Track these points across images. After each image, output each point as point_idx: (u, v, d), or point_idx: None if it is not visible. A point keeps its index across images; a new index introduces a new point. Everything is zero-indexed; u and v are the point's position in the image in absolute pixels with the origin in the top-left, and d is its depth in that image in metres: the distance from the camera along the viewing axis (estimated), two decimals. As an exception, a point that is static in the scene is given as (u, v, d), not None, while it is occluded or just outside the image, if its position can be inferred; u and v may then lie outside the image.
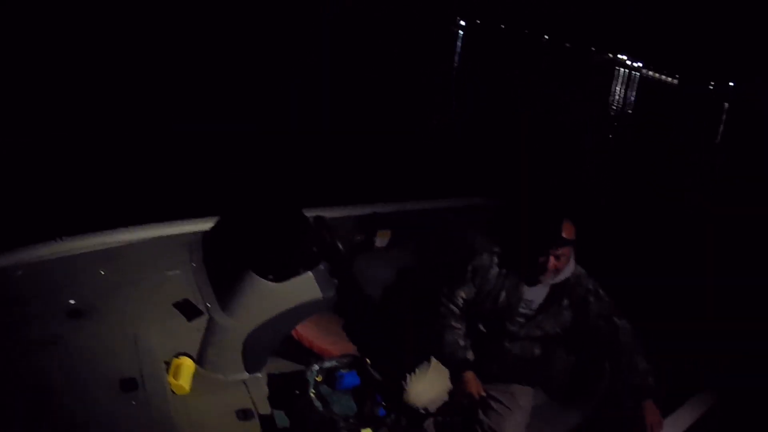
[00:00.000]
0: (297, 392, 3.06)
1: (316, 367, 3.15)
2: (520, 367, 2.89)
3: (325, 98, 11.59)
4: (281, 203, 3.76)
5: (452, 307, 2.92)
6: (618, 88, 60.61)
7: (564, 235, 2.66)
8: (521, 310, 2.83)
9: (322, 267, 3.26)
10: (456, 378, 2.84)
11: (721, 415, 3.02)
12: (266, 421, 3.06)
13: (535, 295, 2.82)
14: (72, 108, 8.24)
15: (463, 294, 2.91)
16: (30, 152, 6.54)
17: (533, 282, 2.80)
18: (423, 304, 3.10)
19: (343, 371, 3.18)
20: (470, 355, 2.86)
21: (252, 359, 3.32)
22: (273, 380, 3.34)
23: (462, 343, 2.87)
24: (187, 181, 6.56)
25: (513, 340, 2.84)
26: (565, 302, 2.80)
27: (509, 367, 2.89)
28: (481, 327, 2.92)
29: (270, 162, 7.98)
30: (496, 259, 2.89)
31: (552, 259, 2.67)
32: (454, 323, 2.90)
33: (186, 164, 7.09)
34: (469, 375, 2.81)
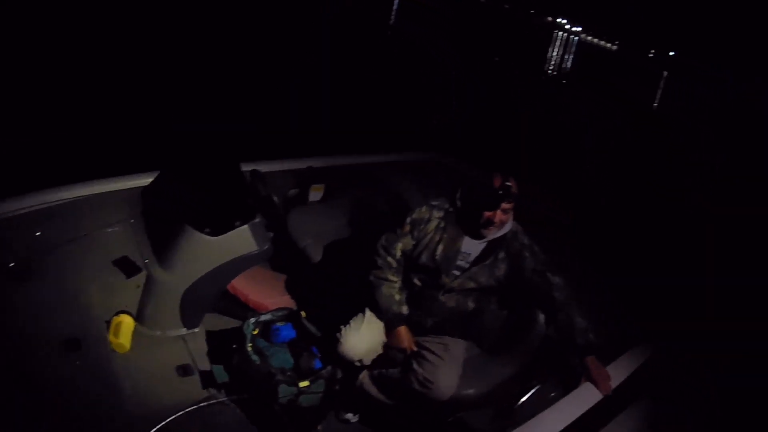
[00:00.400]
0: (234, 346, 3.10)
1: (252, 320, 3.19)
2: (454, 320, 2.95)
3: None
4: (217, 157, 3.77)
5: (389, 259, 2.96)
6: (555, 52, 61.33)
7: (513, 190, 2.74)
8: (458, 263, 2.88)
9: (257, 220, 3.27)
10: (389, 332, 2.91)
11: (658, 366, 3.09)
12: (206, 376, 3.11)
13: (472, 248, 2.88)
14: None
15: (400, 246, 2.95)
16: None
17: (476, 236, 2.86)
18: (360, 257, 3.15)
19: (279, 324, 3.22)
20: (405, 309, 2.93)
21: (190, 314, 3.35)
22: (211, 335, 3.38)
23: (397, 297, 2.93)
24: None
25: (448, 292, 2.90)
26: (501, 255, 2.86)
27: (443, 319, 2.95)
28: (417, 280, 2.97)
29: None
30: (435, 212, 2.94)
31: (499, 213, 2.74)
32: (390, 276, 2.95)
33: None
34: (402, 329, 2.89)
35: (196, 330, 3.38)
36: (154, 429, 2.67)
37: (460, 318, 2.96)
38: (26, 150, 5.96)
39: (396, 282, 2.95)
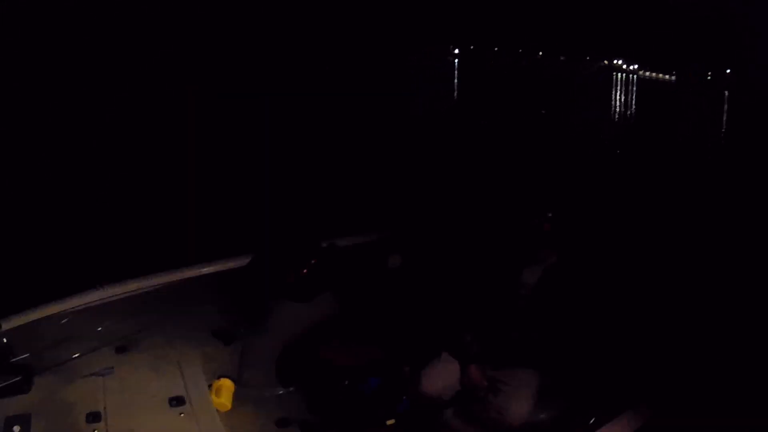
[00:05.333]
0: (327, 397, 3.46)
1: (343, 373, 3.52)
2: (523, 351, 3.18)
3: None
4: (299, 235, 4.15)
5: (462, 300, 3.30)
6: (618, 93, 60.98)
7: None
8: (521, 292, 3.20)
9: (340, 287, 3.78)
10: (462, 371, 3.21)
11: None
12: (303, 426, 3.39)
13: (530, 277, 3.19)
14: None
15: (471, 287, 3.30)
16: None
17: (531, 255, 3.19)
18: (435, 311, 3.53)
19: (366, 376, 3.52)
20: (474, 348, 3.23)
21: (285, 375, 3.71)
22: (305, 391, 3.68)
23: (468, 338, 3.26)
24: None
25: (514, 325, 3.17)
26: (555, 282, 3.14)
27: (513, 352, 3.19)
28: (486, 316, 3.26)
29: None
30: (495, 250, 3.31)
31: (546, 224, 3.09)
32: (461, 318, 3.29)
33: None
34: (472, 368, 3.17)
35: (291, 389, 3.71)
36: None
37: (528, 349, 3.19)
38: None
39: (467, 323, 3.29)
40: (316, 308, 3.73)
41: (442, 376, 3.24)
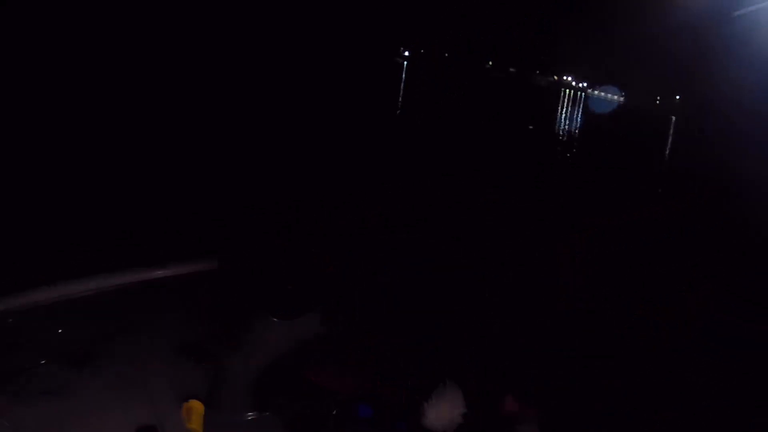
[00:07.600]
0: (311, 425, 3.08)
1: (328, 402, 3.14)
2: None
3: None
4: (286, 241, 3.73)
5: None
6: (565, 109, 62.62)
7: None
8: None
9: (330, 301, 3.36)
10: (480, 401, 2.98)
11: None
12: None
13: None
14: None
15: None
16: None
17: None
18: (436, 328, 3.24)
19: (356, 404, 3.13)
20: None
21: (263, 398, 3.32)
22: (285, 418, 3.31)
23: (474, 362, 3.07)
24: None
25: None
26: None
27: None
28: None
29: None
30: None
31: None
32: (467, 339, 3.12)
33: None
34: (510, 398, 2.97)
35: (267, 413, 3.33)
36: None
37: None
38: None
39: None
40: (304, 326, 3.34)
41: (450, 408, 2.92)
